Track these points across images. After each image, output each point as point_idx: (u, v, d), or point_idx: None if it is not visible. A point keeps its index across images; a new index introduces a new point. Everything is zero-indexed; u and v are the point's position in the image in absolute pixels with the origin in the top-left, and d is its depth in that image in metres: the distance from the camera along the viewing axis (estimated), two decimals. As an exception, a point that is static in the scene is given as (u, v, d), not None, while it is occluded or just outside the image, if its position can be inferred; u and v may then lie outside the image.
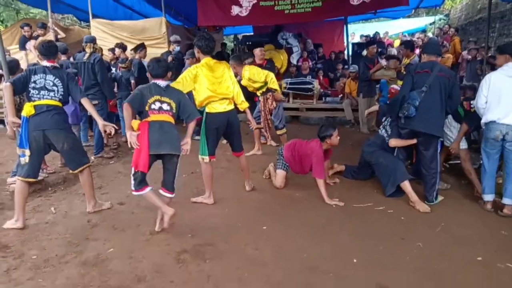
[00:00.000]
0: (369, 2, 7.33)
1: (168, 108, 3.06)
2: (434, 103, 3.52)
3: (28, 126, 3.19)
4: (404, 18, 14.72)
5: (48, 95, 3.28)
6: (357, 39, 12.95)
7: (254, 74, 4.95)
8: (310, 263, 2.70)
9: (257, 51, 5.97)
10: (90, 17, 8.05)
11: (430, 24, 15.65)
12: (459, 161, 4.57)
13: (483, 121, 3.50)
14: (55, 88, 3.31)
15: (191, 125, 3.18)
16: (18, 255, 2.85)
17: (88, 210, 3.59)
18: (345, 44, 11.91)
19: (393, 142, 3.96)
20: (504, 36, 9.59)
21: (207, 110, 3.62)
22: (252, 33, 12.31)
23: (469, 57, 8.52)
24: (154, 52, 7.53)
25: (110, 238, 3.11)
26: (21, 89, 3.26)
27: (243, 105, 3.82)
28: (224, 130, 3.73)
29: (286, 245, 2.97)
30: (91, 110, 3.45)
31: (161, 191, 3.17)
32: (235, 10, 8.12)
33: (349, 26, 11.94)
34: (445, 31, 11.66)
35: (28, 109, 3.19)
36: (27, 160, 3.20)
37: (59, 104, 3.35)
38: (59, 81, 3.33)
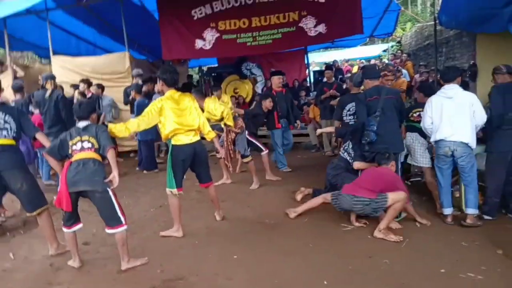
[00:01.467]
0: (326, 33, 7.73)
1: (89, 145, 3.02)
2: (390, 124, 3.84)
3: None
4: (360, 46, 15.60)
5: (1, 134, 3.16)
6: (317, 67, 13.53)
7: (212, 109, 5.05)
8: (282, 289, 2.71)
9: (275, 79, 6.13)
10: (51, 53, 7.95)
11: (384, 50, 16.66)
12: (419, 179, 4.80)
13: (432, 139, 3.74)
14: (7, 125, 3.20)
15: (110, 156, 2.98)
16: (-27, 307, 2.67)
17: (50, 253, 3.43)
18: (307, 72, 12.43)
19: (357, 165, 4.11)
20: (450, 59, 10.37)
21: (173, 142, 3.61)
22: (216, 65, 12.56)
23: (423, 78, 9.11)
24: (118, 86, 7.52)
25: (75, 280, 2.98)
26: None
27: (210, 135, 3.86)
28: (191, 161, 3.73)
29: (257, 271, 2.96)
30: (47, 145, 3.31)
31: (106, 230, 3.08)
32: (198, 43, 8.30)
33: (309, 54, 12.52)
34: (398, 56, 12.44)
35: None
36: None
37: (13, 142, 3.25)
38: (10, 118, 3.22)
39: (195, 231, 3.81)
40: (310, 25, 7.78)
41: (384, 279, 2.77)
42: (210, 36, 8.25)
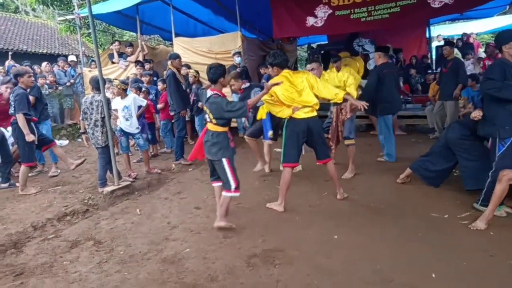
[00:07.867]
0: (452, 3, 6.77)
1: (209, 119, 3.32)
2: None
3: None
4: (498, 16, 13.30)
5: None
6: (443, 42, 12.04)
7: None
8: (383, 275, 2.56)
9: None
10: (173, 36, 8.74)
11: (531, 20, 13.90)
12: None
13: None
14: None
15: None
16: (109, 250, 3.18)
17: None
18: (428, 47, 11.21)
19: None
20: None
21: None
22: (326, 42, 12.19)
23: None
24: (231, 63, 7.90)
25: (187, 239, 3.31)
26: None
27: (339, 96, 3.66)
28: (305, 136, 3.69)
29: (358, 255, 2.86)
30: None
31: (223, 193, 3.39)
32: (310, 21, 8.14)
33: (433, 27, 11.20)
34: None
35: None
36: None
37: None
38: None
39: (296, 208, 3.85)
40: (433, -5, 6.93)
41: (507, 281, 2.40)
42: (322, 13, 8.01)
